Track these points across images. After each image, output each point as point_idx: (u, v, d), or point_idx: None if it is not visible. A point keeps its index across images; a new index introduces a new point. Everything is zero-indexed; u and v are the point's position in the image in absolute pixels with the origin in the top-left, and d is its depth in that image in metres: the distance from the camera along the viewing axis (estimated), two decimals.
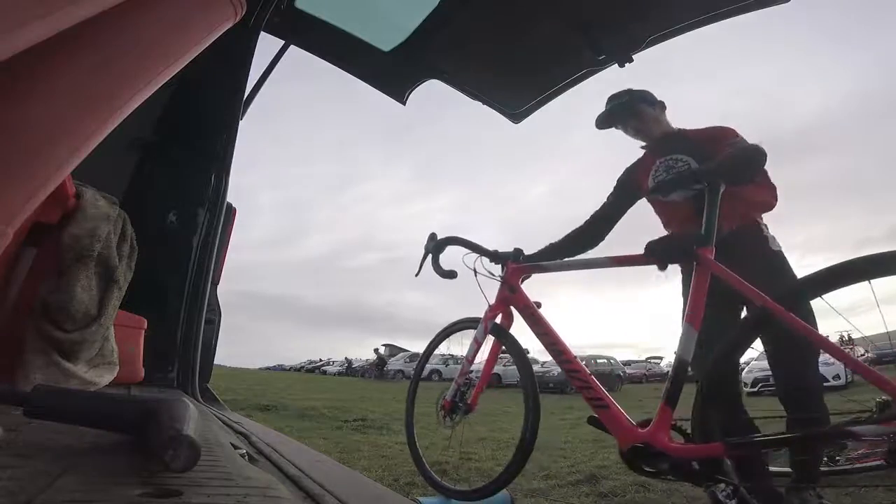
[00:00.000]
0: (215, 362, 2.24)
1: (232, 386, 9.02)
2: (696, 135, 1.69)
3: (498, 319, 1.56)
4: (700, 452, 1.06)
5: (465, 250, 1.63)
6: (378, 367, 22.31)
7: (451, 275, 1.63)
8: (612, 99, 1.79)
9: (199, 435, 0.58)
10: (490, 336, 1.58)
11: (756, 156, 1.35)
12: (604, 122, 1.81)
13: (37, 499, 0.42)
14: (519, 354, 1.56)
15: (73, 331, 1.18)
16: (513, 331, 1.57)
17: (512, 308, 1.53)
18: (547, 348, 1.38)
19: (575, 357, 1.34)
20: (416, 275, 1.69)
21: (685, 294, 1.50)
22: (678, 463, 1.07)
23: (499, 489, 1.49)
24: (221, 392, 2.21)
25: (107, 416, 0.68)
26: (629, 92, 1.77)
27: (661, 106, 1.77)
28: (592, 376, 1.28)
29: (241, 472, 0.61)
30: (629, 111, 1.75)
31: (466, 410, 1.61)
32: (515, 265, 1.53)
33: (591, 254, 1.71)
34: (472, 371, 1.63)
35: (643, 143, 1.78)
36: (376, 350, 23.58)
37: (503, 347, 1.57)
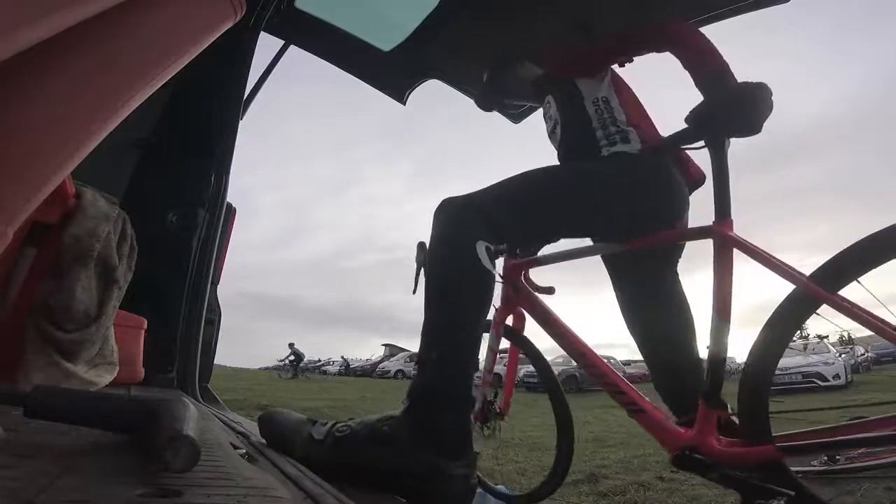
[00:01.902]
0: (215, 362, 2.24)
1: (232, 386, 9.02)
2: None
3: (509, 321, 1.46)
4: (749, 456, 0.92)
5: None
6: (293, 365, 19.93)
7: None
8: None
9: (199, 435, 0.58)
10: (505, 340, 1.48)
11: (762, 93, 0.97)
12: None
13: (37, 499, 0.42)
14: (537, 359, 1.49)
15: (73, 331, 1.18)
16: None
17: (522, 308, 1.42)
18: (566, 350, 1.23)
19: (600, 359, 1.18)
20: (414, 292, 1.56)
21: (623, 293, 1.38)
22: (727, 469, 0.93)
23: (548, 494, 1.41)
24: (221, 392, 2.21)
25: (107, 416, 0.68)
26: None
27: None
28: (623, 378, 1.15)
29: (241, 472, 0.61)
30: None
31: (498, 417, 1.53)
32: (513, 261, 1.38)
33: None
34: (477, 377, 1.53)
35: None
36: (291, 345, 20.60)
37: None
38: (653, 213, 1.16)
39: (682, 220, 1.21)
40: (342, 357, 34.98)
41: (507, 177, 1.09)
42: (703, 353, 1.13)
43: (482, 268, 0.94)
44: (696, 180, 1.27)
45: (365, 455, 0.84)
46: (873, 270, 0.85)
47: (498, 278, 1.45)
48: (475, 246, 0.94)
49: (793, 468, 0.91)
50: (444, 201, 1.02)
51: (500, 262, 1.51)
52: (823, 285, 0.88)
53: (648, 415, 1.07)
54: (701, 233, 1.07)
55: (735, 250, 0.99)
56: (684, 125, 1.06)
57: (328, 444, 0.87)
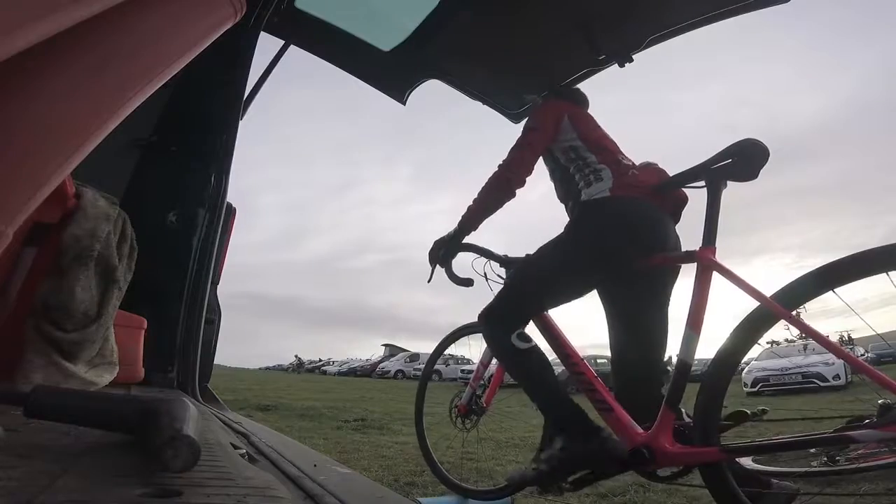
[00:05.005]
0: (215, 362, 2.24)
1: (232, 386, 9.02)
2: None
3: None
4: (695, 457, 1.05)
5: (475, 255, 1.64)
6: None
7: (467, 282, 1.62)
8: None
9: (199, 435, 0.58)
10: None
11: (758, 150, 1.14)
12: None
13: (37, 499, 0.42)
14: None
15: (72, 331, 1.18)
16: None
17: None
18: (556, 352, 1.40)
19: (582, 360, 1.36)
20: (429, 281, 1.67)
21: (612, 306, 1.45)
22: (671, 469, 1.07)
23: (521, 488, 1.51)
24: (221, 392, 2.21)
25: (107, 416, 0.68)
26: None
27: None
28: (598, 379, 1.29)
29: (241, 472, 0.61)
30: None
31: (480, 413, 1.68)
32: None
33: None
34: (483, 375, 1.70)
35: None
36: None
37: None
38: (637, 244, 1.28)
39: (667, 249, 1.29)
40: (296, 356, 35.48)
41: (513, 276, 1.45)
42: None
43: (521, 349, 1.24)
44: (680, 201, 1.38)
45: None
46: (825, 294, 0.97)
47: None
48: (511, 338, 1.24)
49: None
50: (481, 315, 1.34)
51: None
52: (783, 304, 0.99)
53: (615, 413, 1.21)
54: (687, 256, 1.21)
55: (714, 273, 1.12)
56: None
57: None
